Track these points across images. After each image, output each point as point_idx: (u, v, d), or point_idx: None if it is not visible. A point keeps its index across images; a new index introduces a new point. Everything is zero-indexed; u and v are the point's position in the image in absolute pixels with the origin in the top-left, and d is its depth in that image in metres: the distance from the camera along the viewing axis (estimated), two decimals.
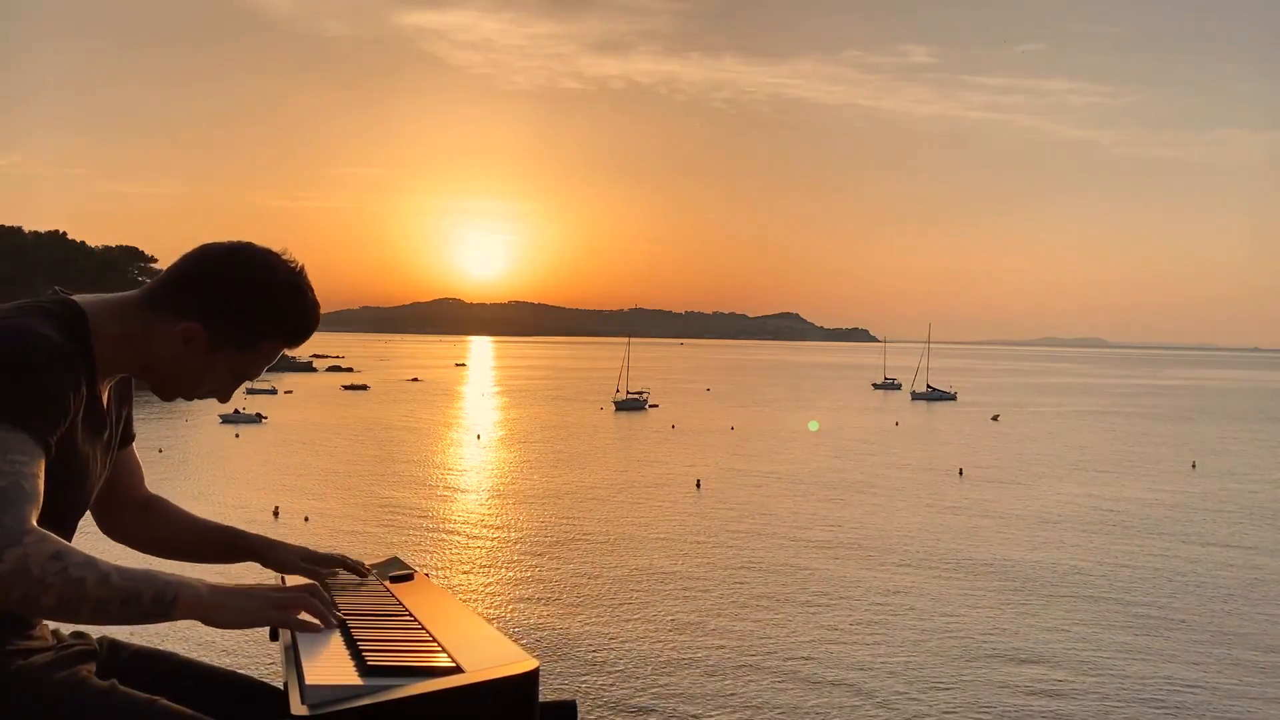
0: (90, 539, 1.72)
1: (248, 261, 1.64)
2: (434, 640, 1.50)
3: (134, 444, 1.93)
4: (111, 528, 1.92)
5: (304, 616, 1.54)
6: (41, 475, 1.43)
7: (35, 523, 1.38)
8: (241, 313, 1.64)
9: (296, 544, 1.97)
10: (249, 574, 1.88)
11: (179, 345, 1.63)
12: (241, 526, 1.98)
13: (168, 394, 1.71)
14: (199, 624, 1.49)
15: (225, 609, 1.48)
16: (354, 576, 1.94)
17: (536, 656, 1.40)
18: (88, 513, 1.78)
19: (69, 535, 1.63)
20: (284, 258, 1.68)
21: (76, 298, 1.63)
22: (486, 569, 30.53)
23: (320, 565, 1.94)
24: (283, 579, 1.90)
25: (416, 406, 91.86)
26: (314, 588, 1.59)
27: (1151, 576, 30.75)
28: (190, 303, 1.63)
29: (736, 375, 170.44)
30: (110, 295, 1.67)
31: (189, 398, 1.72)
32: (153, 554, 1.97)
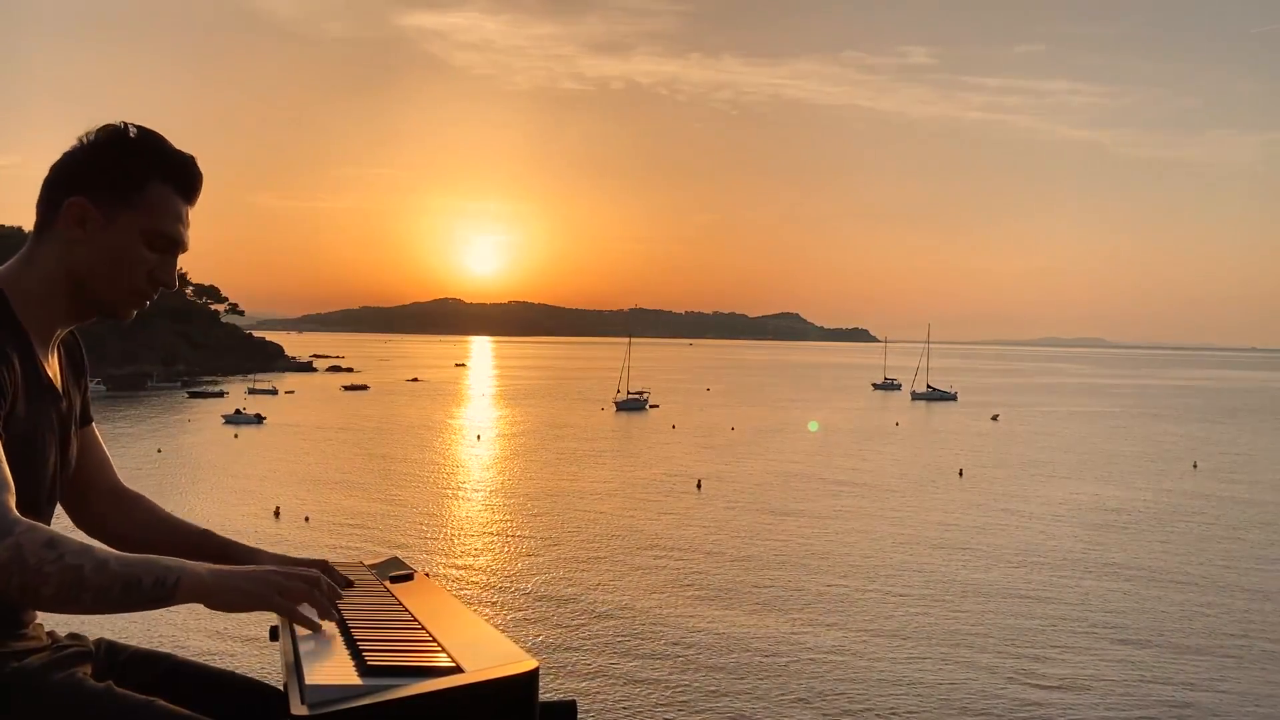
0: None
1: (94, 135, 1.59)
2: (434, 640, 1.49)
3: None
4: (81, 517, 1.81)
5: (304, 609, 1.51)
6: (3, 460, 1.39)
7: (16, 509, 1.35)
8: (110, 162, 1.58)
9: (277, 551, 1.86)
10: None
11: (78, 233, 1.57)
12: (219, 531, 1.87)
13: (118, 306, 1.61)
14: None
15: (228, 591, 1.45)
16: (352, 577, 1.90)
17: (536, 656, 1.39)
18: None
19: (46, 524, 1.56)
20: None
21: None
22: (486, 569, 30.55)
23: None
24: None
25: (416, 407, 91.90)
26: (316, 577, 1.55)
27: (1153, 575, 30.76)
28: (64, 191, 1.58)
29: (736, 375, 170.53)
30: (14, 257, 1.61)
31: (139, 300, 1.62)
32: (122, 549, 1.85)
